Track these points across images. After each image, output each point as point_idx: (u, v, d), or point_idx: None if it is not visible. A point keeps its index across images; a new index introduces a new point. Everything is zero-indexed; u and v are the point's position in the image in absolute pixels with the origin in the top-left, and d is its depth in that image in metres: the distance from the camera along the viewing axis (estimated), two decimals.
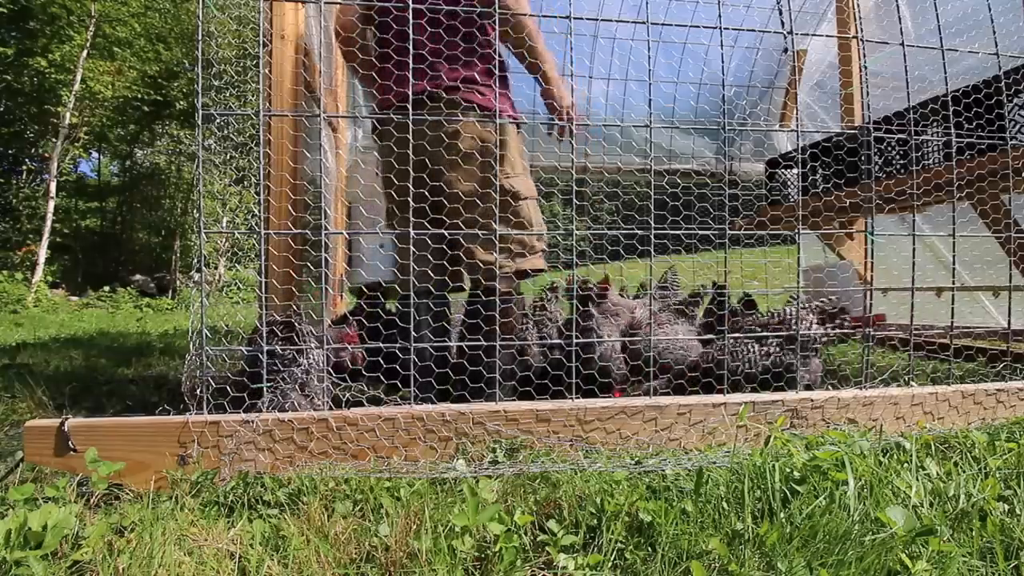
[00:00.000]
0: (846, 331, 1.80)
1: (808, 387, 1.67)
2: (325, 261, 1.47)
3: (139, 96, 15.41)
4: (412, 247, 1.44)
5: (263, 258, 1.49)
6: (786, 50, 4.24)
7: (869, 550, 0.92)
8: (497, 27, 1.66)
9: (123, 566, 0.92)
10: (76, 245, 17.78)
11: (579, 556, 0.96)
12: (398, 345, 1.48)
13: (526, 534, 1.03)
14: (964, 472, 1.20)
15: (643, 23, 1.53)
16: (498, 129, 1.73)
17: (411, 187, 1.46)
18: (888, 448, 1.34)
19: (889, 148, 2.53)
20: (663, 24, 1.91)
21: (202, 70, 1.36)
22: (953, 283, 1.83)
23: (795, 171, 3.17)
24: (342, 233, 1.81)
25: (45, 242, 12.94)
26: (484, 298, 1.76)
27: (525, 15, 1.76)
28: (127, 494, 1.22)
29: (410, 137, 1.46)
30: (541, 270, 1.94)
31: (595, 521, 1.04)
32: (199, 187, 1.36)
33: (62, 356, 3.47)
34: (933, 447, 1.37)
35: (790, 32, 1.84)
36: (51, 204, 13.18)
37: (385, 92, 1.87)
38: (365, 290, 2.24)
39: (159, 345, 4.16)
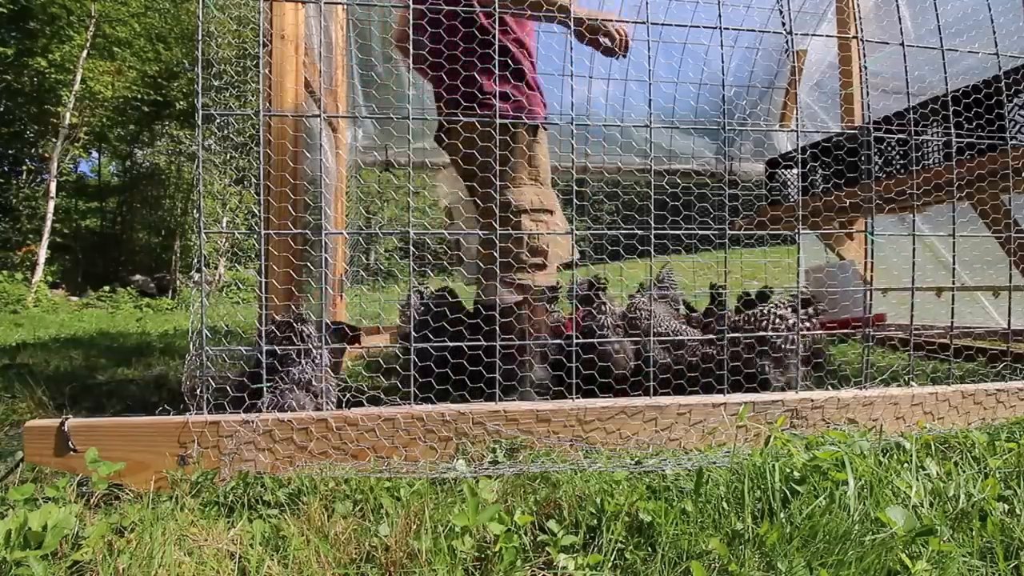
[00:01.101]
0: (818, 323, 1.79)
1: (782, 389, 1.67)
2: (325, 261, 1.47)
3: (139, 96, 15.42)
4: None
5: (263, 258, 1.49)
6: (786, 50, 4.24)
7: (869, 550, 0.92)
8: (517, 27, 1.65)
9: (123, 566, 0.92)
10: (76, 245, 17.79)
11: (579, 556, 0.96)
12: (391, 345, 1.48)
13: (526, 534, 1.03)
14: (964, 472, 1.20)
15: (643, 23, 1.53)
16: (510, 136, 1.70)
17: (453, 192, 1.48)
18: (888, 448, 1.34)
19: (889, 148, 2.53)
20: (663, 24, 1.90)
21: (202, 70, 1.36)
22: (953, 283, 1.83)
23: (795, 171, 3.17)
24: (342, 233, 1.81)
25: (45, 242, 12.95)
26: (484, 311, 1.72)
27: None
28: (127, 494, 1.22)
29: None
30: (543, 287, 1.83)
31: (595, 521, 1.03)
32: (199, 187, 1.36)
33: (62, 356, 3.47)
34: (933, 447, 1.37)
35: (790, 32, 1.84)
36: (51, 204, 13.19)
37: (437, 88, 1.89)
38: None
39: (159, 345, 4.16)
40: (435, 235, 1.68)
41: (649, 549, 0.97)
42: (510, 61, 1.82)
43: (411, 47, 1.45)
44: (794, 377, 1.62)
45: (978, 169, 2.01)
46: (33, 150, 16.26)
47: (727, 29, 1.59)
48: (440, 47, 1.70)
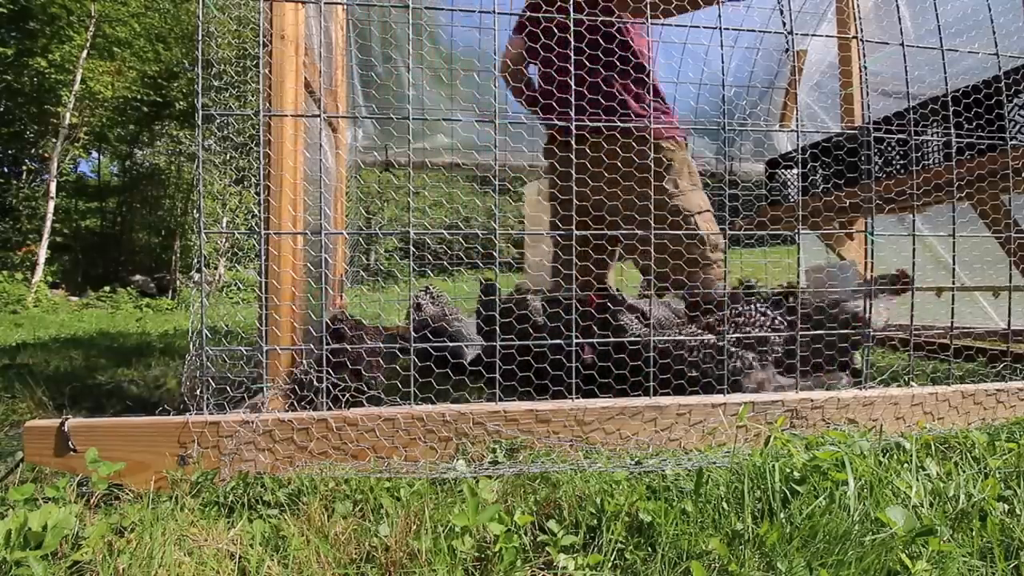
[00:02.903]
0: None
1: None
2: (325, 261, 1.47)
3: (139, 96, 15.42)
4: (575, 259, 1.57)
5: (263, 258, 1.49)
6: (786, 50, 4.24)
7: (869, 550, 0.92)
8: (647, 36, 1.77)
9: (123, 566, 0.92)
10: (76, 245, 17.79)
11: (579, 556, 0.96)
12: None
13: (526, 534, 1.03)
14: (964, 472, 1.20)
15: (643, 23, 1.53)
16: (663, 149, 1.82)
17: (574, 213, 1.56)
18: (888, 448, 1.34)
19: (889, 148, 2.53)
20: (663, 24, 1.90)
21: (202, 70, 1.36)
22: (953, 283, 1.83)
23: (795, 171, 3.17)
24: (342, 233, 1.81)
25: (45, 242, 12.95)
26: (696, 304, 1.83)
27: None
28: (127, 494, 1.22)
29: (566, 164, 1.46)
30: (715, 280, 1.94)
31: (595, 521, 1.04)
32: (199, 187, 1.36)
33: (62, 356, 3.47)
34: (933, 447, 1.37)
35: (790, 32, 1.84)
36: (51, 204, 13.19)
37: (549, 127, 1.96)
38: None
39: (159, 345, 4.16)
40: (435, 235, 1.68)
41: (649, 549, 0.97)
42: (645, 78, 1.92)
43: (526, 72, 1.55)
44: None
45: (978, 169, 2.01)
46: (33, 150, 16.26)
47: (727, 29, 1.59)
48: (597, 81, 1.80)
